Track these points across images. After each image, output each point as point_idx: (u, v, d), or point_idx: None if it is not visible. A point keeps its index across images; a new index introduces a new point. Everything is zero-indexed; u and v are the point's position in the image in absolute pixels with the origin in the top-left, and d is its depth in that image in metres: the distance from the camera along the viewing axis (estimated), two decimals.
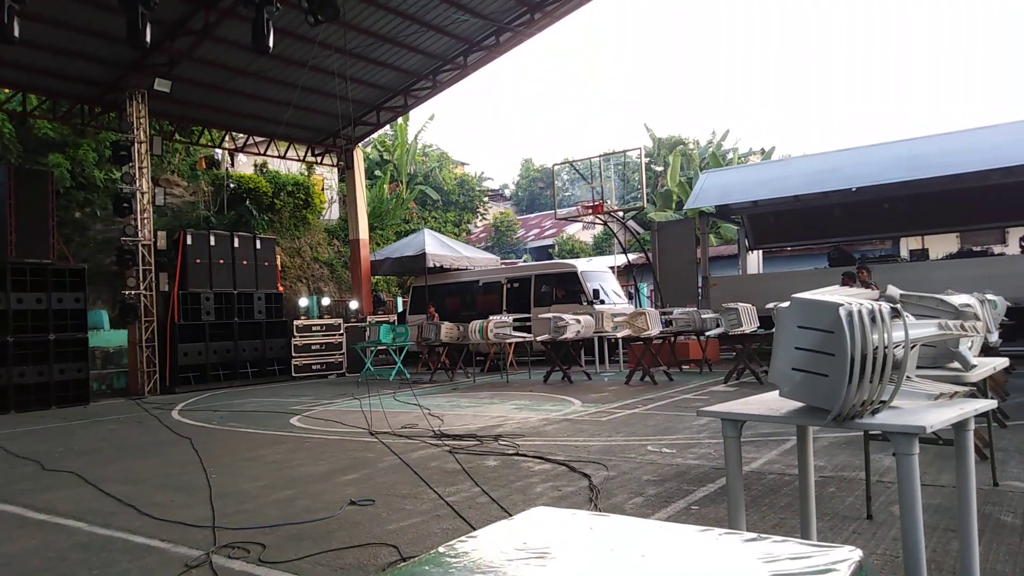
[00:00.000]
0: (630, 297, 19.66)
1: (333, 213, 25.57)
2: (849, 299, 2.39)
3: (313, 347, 16.17)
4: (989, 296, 6.33)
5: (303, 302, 17.96)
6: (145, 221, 13.81)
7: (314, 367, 16.11)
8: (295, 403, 10.86)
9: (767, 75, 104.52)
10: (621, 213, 19.06)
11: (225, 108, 17.07)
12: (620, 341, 13.60)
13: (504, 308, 16.99)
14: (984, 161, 12.92)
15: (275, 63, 14.79)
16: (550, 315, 12.66)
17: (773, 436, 6.01)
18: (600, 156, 18.34)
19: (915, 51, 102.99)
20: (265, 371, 15.36)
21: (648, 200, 28.74)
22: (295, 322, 16.15)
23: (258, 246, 15.98)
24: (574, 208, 18.89)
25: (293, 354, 15.82)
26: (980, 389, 4.46)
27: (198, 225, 17.77)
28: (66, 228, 16.15)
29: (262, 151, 19.41)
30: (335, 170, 23.61)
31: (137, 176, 13.68)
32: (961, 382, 3.28)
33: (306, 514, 4.33)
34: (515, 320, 14.13)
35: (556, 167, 21.17)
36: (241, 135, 19.04)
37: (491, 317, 13.57)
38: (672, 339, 12.66)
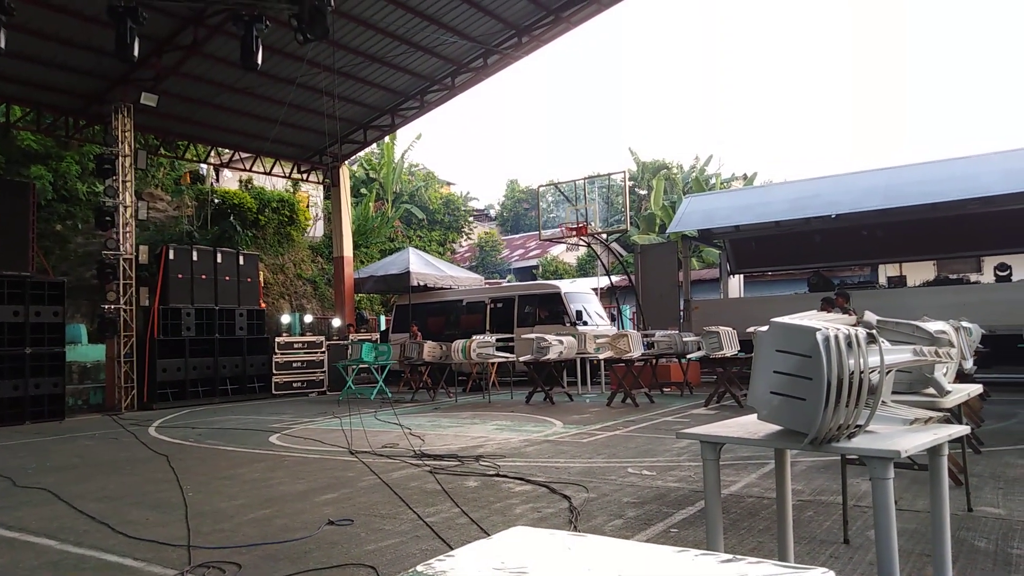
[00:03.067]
0: (613, 319, 19.73)
1: (318, 230, 25.52)
2: (826, 324, 2.43)
3: (294, 364, 16.06)
4: (964, 323, 6.46)
5: (285, 319, 17.85)
6: (127, 235, 13.71)
7: (295, 385, 15.98)
8: (275, 421, 10.76)
9: (750, 101, 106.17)
10: (605, 235, 19.17)
11: (211, 123, 17.06)
12: (602, 363, 13.62)
13: (487, 328, 16.99)
14: (960, 191, 13.18)
15: (263, 80, 14.84)
16: (533, 335, 12.67)
17: (753, 459, 6.04)
18: (585, 179, 18.49)
19: (896, 79, 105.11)
20: (245, 388, 15.22)
21: (632, 223, 28.98)
22: (277, 339, 16.05)
23: (241, 262, 15.90)
24: (558, 229, 19.00)
25: (274, 371, 15.71)
26: (955, 415, 4.52)
27: (181, 240, 17.66)
28: (46, 240, 15.99)
29: (248, 167, 19.37)
30: (321, 187, 23.61)
31: (120, 190, 13.59)
32: (936, 408, 3.33)
33: (283, 534, 4.28)
34: (498, 340, 14.12)
35: (541, 189, 21.28)
36: (227, 150, 19.01)
37: (474, 337, 13.56)
38: (654, 361, 12.71)
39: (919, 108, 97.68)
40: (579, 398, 12.90)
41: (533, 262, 37.37)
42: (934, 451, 2.77)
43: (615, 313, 20.57)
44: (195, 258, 14.94)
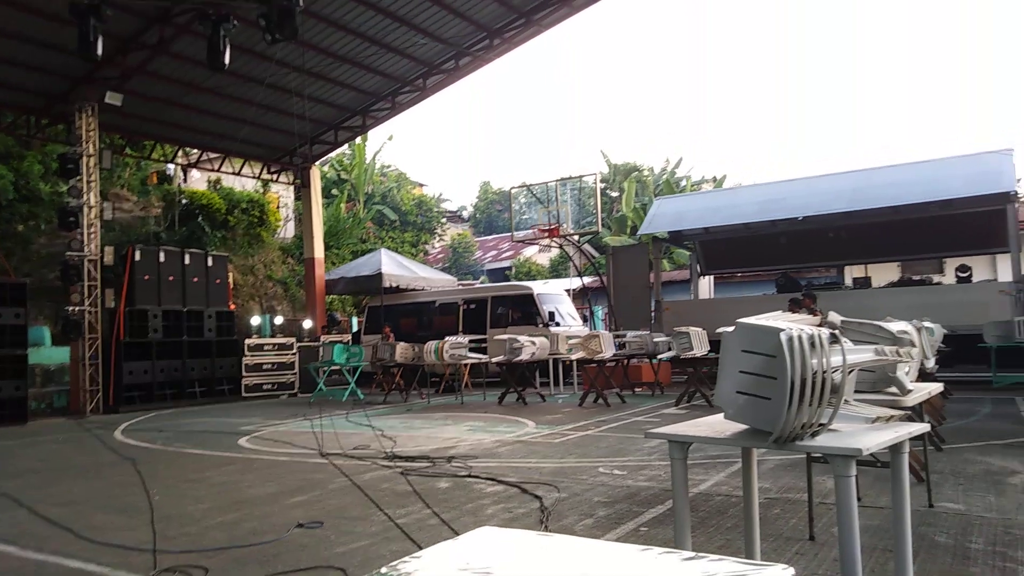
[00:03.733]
0: (585, 320, 19.82)
1: (288, 231, 25.28)
2: (790, 325, 2.47)
3: (265, 366, 15.87)
4: (926, 323, 6.59)
5: (255, 320, 17.63)
6: (92, 236, 13.44)
7: (265, 387, 15.80)
8: (244, 423, 10.63)
9: (721, 104, 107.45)
10: (577, 237, 19.26)
11: (179, 123, 16.81)
12: (574, 363, 13.68)
13: (460, 329, 16.96)
14: (923, 194, 13.48)
15: (231, 80, 14.66)
16: (506, 336, 12.68)
17: (721, 458, 6.12)
18: (557, 181, 18.55)
19: (862, 83, 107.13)
20: (214, 391, 15.00)
21: (603, 225, 29.14)
22: (246, 341, 15.84)
23: (210, 263, 15.68)
24: (531, 231, 19.04)
25: (244, 373, 15.50)
26: (917, 413, 4.63)
27: (148, 241, 17.37)
28: (8, 241, 15.63)
29: (216, 167, 19.13)
30: (291, 188, 23.39)
31: (85, 190, 13.33)
32: (898, 406, 3.40)
33: (252, 537, 4.24)
34: (471, 341, 14.11)
35: (513, 190, 21.32)
36: (195, 151, 18.76)
37: (447, 338, 13.53)
38: (625, 362, 12.80)
39: (883, 110, 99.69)
40: (551, 399, 12.94)
41: (506, 263, 37.41)
42: (895, 449, 2.83)
43: (587, 314, 20.66)
44: (162, 259, 14.69)
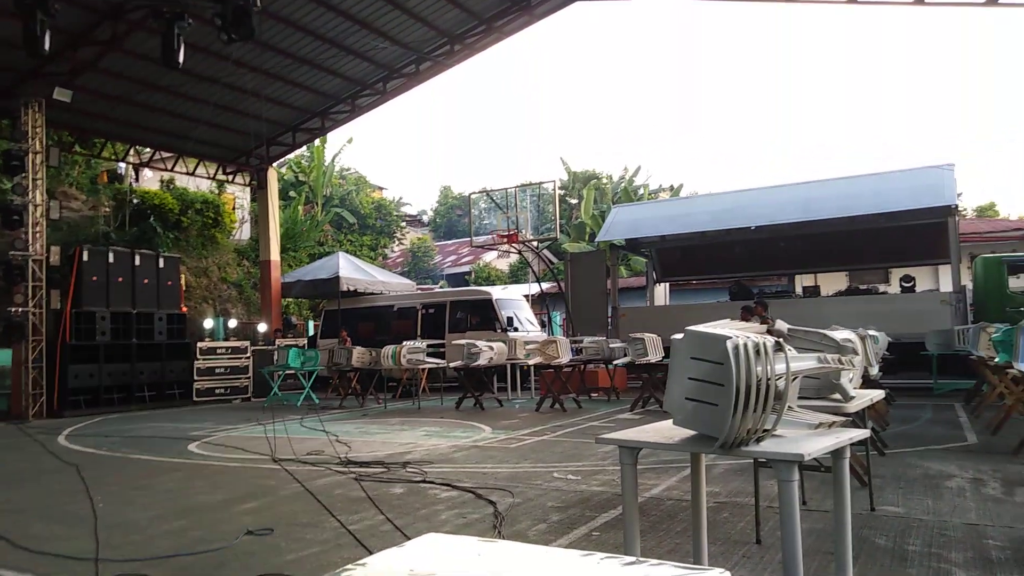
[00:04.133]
0: (543, 325, 19.92)
1: (244, 233, 24.84)
2: (737, 333, 2.53)
3: (217, 370, 15.56)
4: (871, 332, 6.81)
5: (208, 323, 17.28)
6: (37, 235, 13.03)
7: (218, 391, 15.49)
8: (195, 429, 10.41)
9: (678, 114, 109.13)
10: (536, 243, 19.36)
11: (131, 121, 16.40)
12: (532, 368, 13.74)
13: (418, 334, 16.88)
14: (870, 206, 13.90)
15: (187, 78, 14.38)
16: (464, 341, 12.67)
17: (674, 463, 6.21)
18: (517, 187, 18.62)
19: (815, 96, 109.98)
20: (164, 395, 14.66)
21: (562, 231, 29.33)
22: (199, 344, 15.52)
23: (161, 264, 15.33)
24: (490, 236, 19.06)
25: (195, 377, 15.18)
26: (860, 418, 4.77)
27: (96, 241, 16.88)
28: None
29: (170, 167, 18.73)
30: (247, 189, 22.99)
31: (30, 187, 12.91)
32: (840, 412, 3.51)
33: (199, 545, 4.16)
34: (429, 346, 14.05)
35: (473, 196, 21.33)
36: (147, 149, 18.33)
37: (404, 343, 13.46)
38: (582, 367, 12.90)
39: (831, 121, 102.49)
40: (509, 403, 12.96)
41: (466, 268, 37.37)
42: (837, 454, 2.92)
43: (546, 319, 20.77)
44: (111, 260, 14.32)
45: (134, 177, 21.62)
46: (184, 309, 16.41)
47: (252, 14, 8.08)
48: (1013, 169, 74.42)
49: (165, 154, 18.37)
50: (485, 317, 16.83)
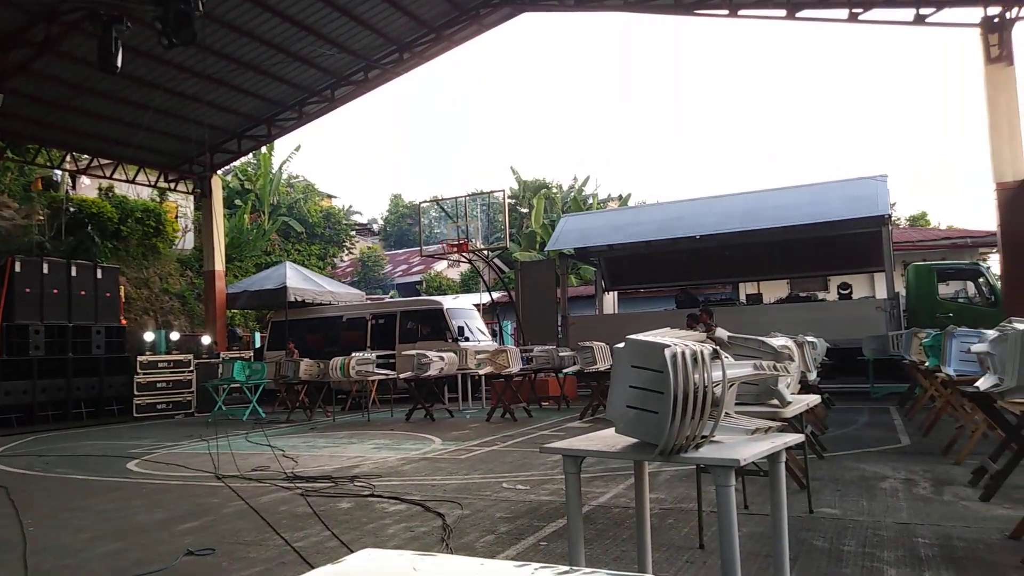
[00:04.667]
0: (494, 334, 19.93)
1: (187, 242, 24.25)
2: (675, 341, 2.59)
3: (159, 385, 15.09)
4: (809, 338, 7.02)
5: (149, 336, 16.78)
6: None
7: (159, 407, 15.01)
8: (134, 446, 10.08)
9: (627, 124, 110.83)
10: (486, 252, 19.40)
11: (67, 127, 15.88)
12: (483, 378, 13.73)
13: (368, 345, 16.71)
14: (809, 216, 14.35)
15: (126, 83, 14.02)
16: (414, 352, 12.59)
17: (621, 471, 6.28)
18: (467, 196, 18.66)
19: (760, 106, 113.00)
20: (103, 411, 14.18)
21: (513, 240, 29.43)
22: (139, 358, 15.03)
23: (99, 276, 14.86)
24: (440, 245, 19.02)
25: (136, 392, 14.68)
26: (799, 423, 4.92)
27: (30, 251, 16.27)
28: None
29: (108, 174, 18.19)
30: (191, 197, 22.47)
31: None
32: (777, 417, 3.61)
33: (136, 567, 4.03)
34: (379, 357, 13.91)
35: (424, 205, 21.26)
36: (85, 156, 17.76)
37: (353, 354, 13.29)
38: (532, 376, 12.94)
39: (776, 132, 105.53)
40: (459, 414, 12.92)
41: (416, 278, 37.16)
42: (773, 458, 2.99)
43: (496, 329, 20.79)
44: (46, 271, 13.81)
45: (70, 185, 20.93)
46: (124, 322, 15.92)
47: (194, 18, 7.93)
48: (944, 180, 77.79)
49: (103, 161, 17.82)
50: (436, 327, 16.76)
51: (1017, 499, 4.61)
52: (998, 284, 14.18)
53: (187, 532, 4.85)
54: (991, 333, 4.65)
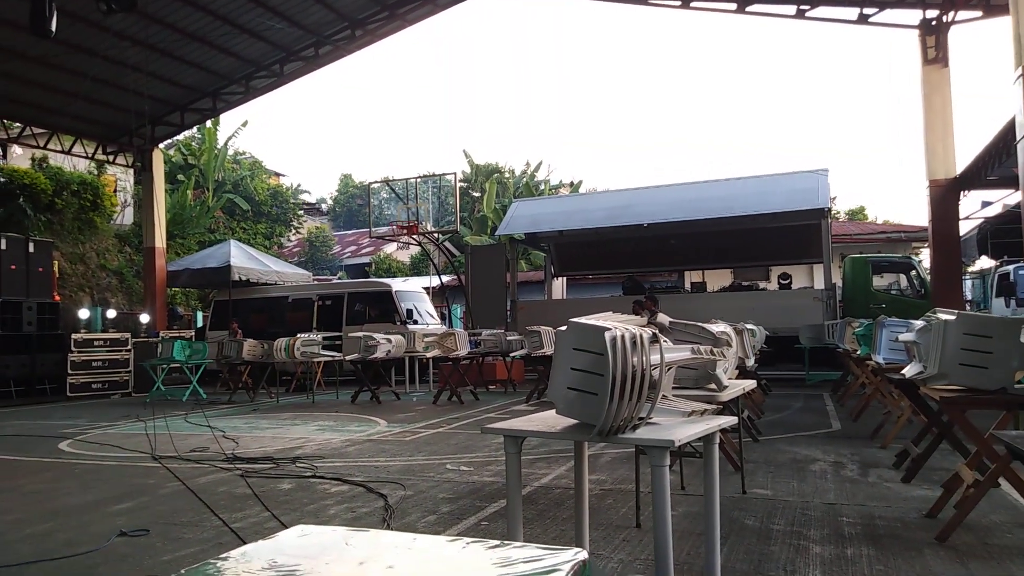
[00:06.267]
0: (444, 318, 19.89)
1: (126, 217, 23.45)
2: (616, 325, 2.64)
3: (94, 364, 14.61)
4: (749, 326, 7.22)
5: (84, 314, 16.20)
6: None
7: (94, 386, 14.55)
8: (67, 426, 9.77)
9: (580, 111, 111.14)
10: (436, 235, 19.30)
11: None
12: (431, 361, 13.70)
13: (315, 326, 16.49)
14: (752, 207, 14.69)
15: (63, 49, 13.42)
16: (361, 334, 12.48)
17: (564, 453, 6.37)
18: (418, 178, 18.50)
19: (708, 97, 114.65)
20: (34, 390, 13.67)
21: (465, 224, 29.34)
22: (73, 336, 14.51)
23: (31, 249, 14.27)
24: (390, 227, 18.84)
25: (70, 371, 14.18)
26: (737, 407, 5.07)
27: None
28: None
29: (42, 144, 17.43)
30: (131, 171, 21.72)
31: None
32: (714, 401, 3.72)
33: (67, 548, 3.92)
34: (326, 339, 13.74)
35: (374, 185, 20.98)
36: (16, 124, 16.97)
37: (299, 335, 13.10)
38: (480, 360, 12.98)
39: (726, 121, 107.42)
40: (406, 397, 12.88)
41: (366, 259, 36.74)
42: (707, 440, 3.08)
43: (446, 312, 20.74)
44: None
45: (1, 154, 19.98)
46: (57, 298, 15.34)
47: None
48: (881, 175, 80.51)
49: (37, 130, 17.07)
50: (384, 309, 16.63)
51: (935, 480, 4.84)
52: (928, 277, 14.80)
53: (120, 513, 4.74)
54: (918, 323, 4.86)
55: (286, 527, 4.27)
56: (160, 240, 18.21)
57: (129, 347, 15.15)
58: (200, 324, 19.65)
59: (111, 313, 16.78)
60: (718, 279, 19.51)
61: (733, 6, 14.49)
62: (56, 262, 16.06)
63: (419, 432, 8.30)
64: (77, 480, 6.00)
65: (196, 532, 4.22)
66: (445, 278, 20.74)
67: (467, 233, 29.07)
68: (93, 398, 14.28)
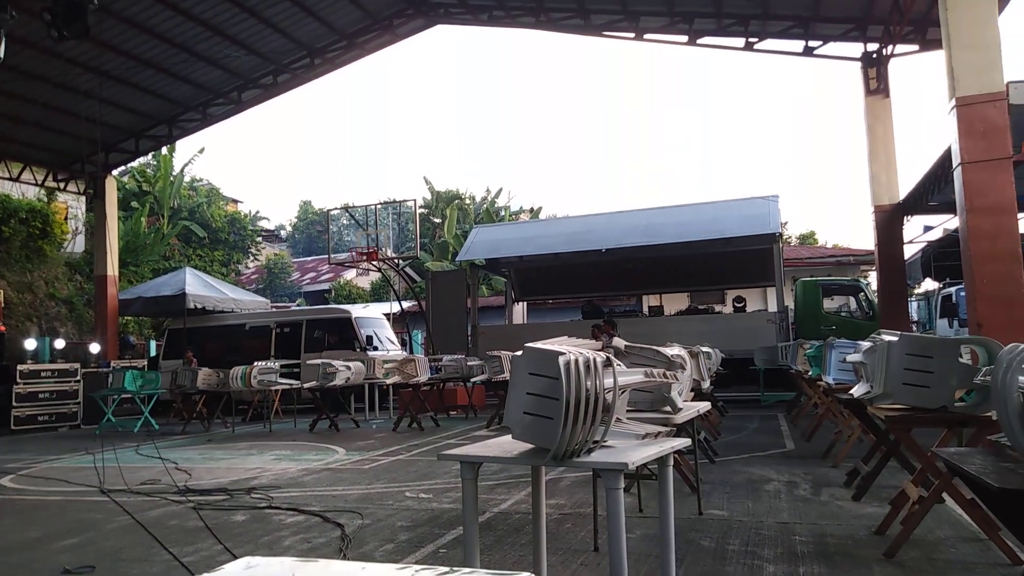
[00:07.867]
0: (404, 344, 19.77)
1: (78, 245, 22.84)
2: (570, 349, 2.68)
3: (41, 395, 14.12)
4: (704, 348, 7.35)
5: (30, 344, 15.69)
6: None
7: (41, 418, 14.05)
8: (10, 460, 9.41)
9: (540, 139, 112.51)
10: (397, 261, 19.25)
11: None
12: (391, 388, 13.58)
13: (272, 354, 16.23)
14: (706, 232, 15.01)
15: (10, 75, 13.13)
16: (319, 361, 12.32)
17: (523, 478, 6.37)
18: (379, 204, 18.49)
19: (665, 125, 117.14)
20: None
21: (426, 250, 29.33)
22: (19, 367, 14.02)
23: None
24: (350, 254, 18.73)
25: (14, 403, 13.68)
26: (693, 428, 5.14)
27: None
28: None
29: None
30: (83, 198, 21.22)
31: None
32: (669, 423, 3.78)
33: None
34: (284, 366, 13.52)
35: (334, 212, 20.87)
36: None
37: (256, 363, 12.87)
38: (441, 385, 12.92)
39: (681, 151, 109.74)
40: (366, 424, 12.74)
41: (325, 286, 36.36)
42: (662, 462, 3.13)
43: (406, 338, 20.62)
44: None
45: None
46: (2, 328, 14.85)
47: (87, 11, 7.54)
48: (832, 201, 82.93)
49: None
50: (344, 336, 16.47)
51: (884, 497, 4.97)
52: (876, 299, 15.25)
53: (65, 550, 4.58)
54: (864, 344, 5.01)
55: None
56: (112, 268, 17.78)
57: (78, 377, 14.69)
58: (153, 353, 19.18)
59: (60, 343, 16.26)
60: (675, 303, 19.82)
61: (684, 39, 14.92)
62: (1, 291, 15.57)
63: (378, 460, 8.22)
64: (19, 516, 5.79)
65: (144, 567, 4.10)
66: (406, 304, 20.66)
67: (428, 259, 29.04)
68: (40, 431, 13.79)
